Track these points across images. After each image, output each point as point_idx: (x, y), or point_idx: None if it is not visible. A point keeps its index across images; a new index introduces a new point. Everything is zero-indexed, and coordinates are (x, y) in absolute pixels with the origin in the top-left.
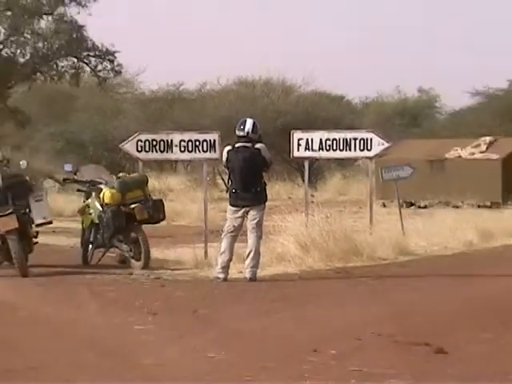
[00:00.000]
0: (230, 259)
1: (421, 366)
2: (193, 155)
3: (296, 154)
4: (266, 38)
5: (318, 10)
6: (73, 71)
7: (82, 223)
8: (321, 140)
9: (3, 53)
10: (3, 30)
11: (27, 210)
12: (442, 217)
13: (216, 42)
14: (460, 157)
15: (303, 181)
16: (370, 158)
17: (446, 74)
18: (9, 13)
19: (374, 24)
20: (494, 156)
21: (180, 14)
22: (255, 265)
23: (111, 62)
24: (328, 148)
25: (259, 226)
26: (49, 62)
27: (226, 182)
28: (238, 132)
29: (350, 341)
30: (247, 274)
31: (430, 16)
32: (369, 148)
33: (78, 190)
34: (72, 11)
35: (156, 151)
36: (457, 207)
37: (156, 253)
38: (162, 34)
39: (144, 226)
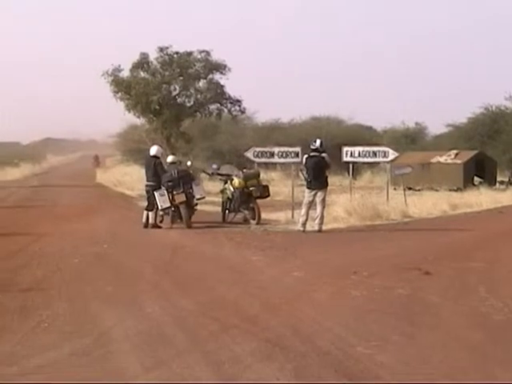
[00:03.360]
0: (307, 219)
1: (415, 281)
2: (286, 160)
3: (345, 159)
4: (325, 86)
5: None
6: (217, 111)
7: (222, 198)
8: (359, 151)
9: (178, 100)
10: (178, 88)
11: (191, 190)
12: (428, 196)
13: (298, 91)
14: (439, 161)
15: (348, 175)
16: (387, 162)
17: (432, 112)
18: (181, 78)
19: (389, 78)
20: (459, 161)
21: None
22: (321, 223)
23: (239, 106)
24: (363, 156)
25: (323, 200)
26: (204, 106)
27: (304, 175)
28: (311, 146)
29: (375, 267)
30: (316, 228)
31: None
32: (386, 156)
33: (220, 179)
34: (217, 77)
35: (264, 157)
36: (437, 190)
37: (264, 215)
38: (266, 87)
39: (258, 200)
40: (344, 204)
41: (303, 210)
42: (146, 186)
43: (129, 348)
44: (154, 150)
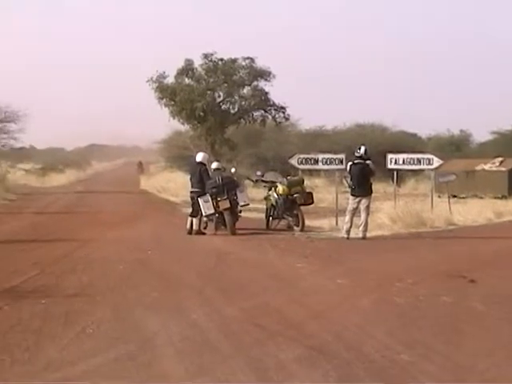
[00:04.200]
0: (351, 226)
1: (460, 289)
2: (330, 167)
3: (389, 166)
4: (369, 95)
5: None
6: (261, 118)
7: (266, 205)
8: (403, 159)
9: (222, 107)
10: (222, 94)
11: (235, 197)
12: (472, 204)
13: (342, 98)
14: (484, 169)
15: (393, 182)
16: (432, 169)
17: (477, 119)
18: (225, 84)
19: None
20: (503, 169)
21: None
22: (365, 230)
23: (283, 112)
24: (407, 163)
25: (367, 207)
26: (248, 113)
27: (348, 182)
28: (356, 153)
29: (420, 274)
30: (360, 235)
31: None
32: (431, 163)
33: (264, 186)
34: (261, 84)
35: (308, 164)
36: (481, 198)
37: (308, 222)
38: (311, 93)
39: (302, 207)
40: (388, 211)
41: (347, 217)
42: (191, 192)
43: (173, 354)
44: (200, 157)
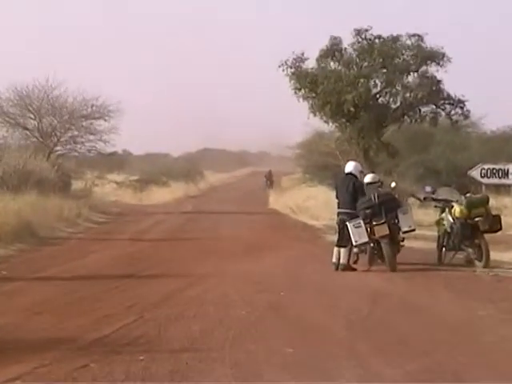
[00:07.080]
0: None
1: None
2: None
3: None
4: None
5: None
6: (432, 115)
7: (438, 231)
8: None
9: (379, 100)
10: (379, 83)
11: (396, 221)
12: None
13: None
14: None
15: None
16: None
17: None
18: (384, 70)
19: None
20: None
21: None
22: None
23: (461, 108)
24: None
25: None
26: (414, 109)
27: None
28: None
29: None
30: None
31: None
32: None
33: (435, 206)
34: (432, 69)
35: (495, 177)
36: None
37: (494, 255)
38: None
39: (486, 235)
40: None
41: None
42: (338, 213)
43: None
44: (350, 167)
